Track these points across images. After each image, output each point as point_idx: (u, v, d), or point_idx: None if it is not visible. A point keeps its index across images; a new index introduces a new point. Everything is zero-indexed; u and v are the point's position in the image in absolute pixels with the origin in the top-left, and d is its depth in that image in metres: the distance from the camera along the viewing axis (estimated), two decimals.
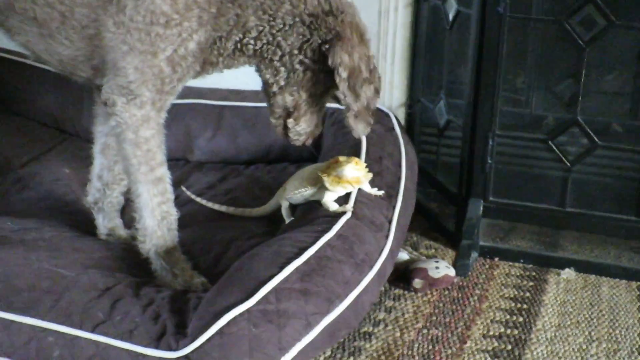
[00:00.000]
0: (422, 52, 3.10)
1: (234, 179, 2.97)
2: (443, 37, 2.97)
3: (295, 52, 2.15)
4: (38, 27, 2.15)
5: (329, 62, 2.10)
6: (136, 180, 2.17)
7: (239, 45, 2.16)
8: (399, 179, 2.54)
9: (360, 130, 2.22)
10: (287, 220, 2.39)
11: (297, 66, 2.17)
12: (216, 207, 2.67)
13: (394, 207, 2.39)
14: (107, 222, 2.52)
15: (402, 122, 3.17)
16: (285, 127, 2.29)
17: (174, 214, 2.24)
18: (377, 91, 2.22)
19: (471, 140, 2.76)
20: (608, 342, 2.28)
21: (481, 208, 2.77)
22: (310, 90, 2.22)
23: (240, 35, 2.14)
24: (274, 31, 2.13)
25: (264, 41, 2.15)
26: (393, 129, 2.82)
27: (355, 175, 2.24)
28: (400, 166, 2.60)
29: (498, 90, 2.68)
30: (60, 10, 2.10)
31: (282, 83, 2.21)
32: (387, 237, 2.26)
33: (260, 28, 2.13)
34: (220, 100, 3.16)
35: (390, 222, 2.33)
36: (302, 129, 2.28)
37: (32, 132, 3.25)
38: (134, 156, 2.14)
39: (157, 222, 2.20)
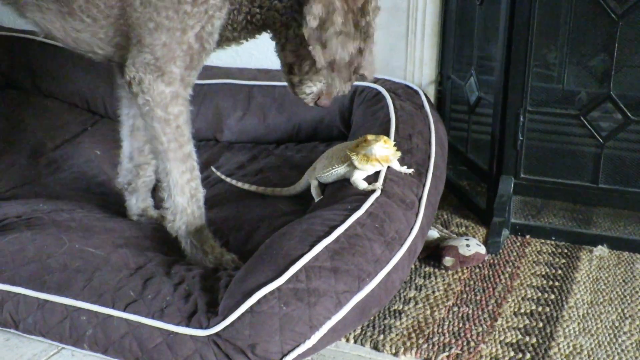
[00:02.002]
0: (452, 28, 3.07)
1: (264, 158, 2.97)
2: (473, 12, 2.93)
3: (289, 8, 2.15)
4: (58, 5, 2.15)
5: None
6: (166, 158, 2.17)
7: (248, 17, 2.19)
8: (429, 156, 2.52)
9: (337, 85, 2.19)
10: (317, 199, 2.39)
11: (292, 22, 2.16)
12: (246, 186, 2.68)
13: (424, 185, 2.38)
14: (140, 202, 2.54)
15: (433, 99, 3.15)
16: (293, 85, 2.28)
17: (202, 191, 2.25)
18: (360, 51, 2.16)
19: (502, 117, 2.73)
20: None
21: (512, 185, 2.74)
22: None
23: (249, 6, 2.17)
24: None
25: (266, 8, 2.17)
26: (422, 106, 2.80)
27: (383, 153, 2.23)
28: (430, 144, 2.59)
29: (529, 66, 2.65)
30: None
31: (283, 40, 2.22)
32: (417, 214, 2.25)
33: None
34: (250, 80, 3.16)
35: (420, 199, 2.32)
36: (307, 88, 2.24)
37: (63, 114, 3.28)
38: (163, 134, 2.15)
39: (187, 199, 2.21)
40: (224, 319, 1.85)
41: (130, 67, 2.12)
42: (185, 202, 2.21)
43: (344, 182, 2.32)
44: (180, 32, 2.08)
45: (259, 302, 1.84)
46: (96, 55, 2.26)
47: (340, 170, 2.32)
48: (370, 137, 2.24)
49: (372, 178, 2.28)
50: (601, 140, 2.65)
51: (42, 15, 2.20)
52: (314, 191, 2.43)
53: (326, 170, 2.36)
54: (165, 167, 2.19)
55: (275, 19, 2.19)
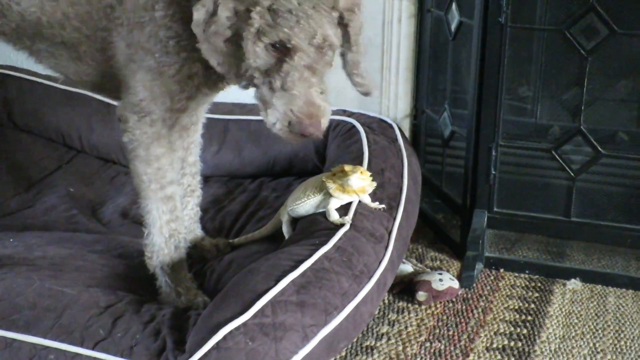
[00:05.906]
0: (426, 63, 3.10)
1: (239, 194, 2.97)
2: (446, 47, 2.96)
3: None
4: (67, 51, 2.20)
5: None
6: (147, 197, 2.18)
7: None
8: (401, 190, 2.52)
9: None
10: (287, 236, 2.38)
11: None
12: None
13: (394, 218, 2.37)
14: (187, 234, 2.48)
15: (408, 133, 3.16)
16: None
17: (182, 232, 2.25)
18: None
19: (475, 151, 2.74)
20: (613, 354, 2.25)
21: (486, 219, 2.75)
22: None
23: None
24: None
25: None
26: (396, 140, 2.81)
27: (360, 185, 2.23)
28: (402, 177, 2.59)
29: (500, 101, 2.67)
30: (86, 34, 2.14)
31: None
32: (386, 247, 2.24)
33: None
34: (225, 114, 3.17)
35: (390, 233, 2.31)
36: (272, 119, 1.94)
37: (39, 149, 3.27)
38: (144, 173, 2.15)
39: (165, 239, 2.21)
40: (190, 356, 1.83)
41: (120, 106, 2.16)
42: (163, 241, 2.21)
43: (315, 217, 2.30)
44: (158, 73, 2.10)
45: (224, 338, 1.82)
46: (114, 98, 2.28)
47: (315, 200, 2.29)
48: (347, 167, 2.23)
49: (343, 212, 2.28)
50: (572, 174, 2.66)
51: (55, 61, 2.25)
52: (284, 228, 2.41)
53: (299, 201, 2.33)
54: (146, 205, 2.20)
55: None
